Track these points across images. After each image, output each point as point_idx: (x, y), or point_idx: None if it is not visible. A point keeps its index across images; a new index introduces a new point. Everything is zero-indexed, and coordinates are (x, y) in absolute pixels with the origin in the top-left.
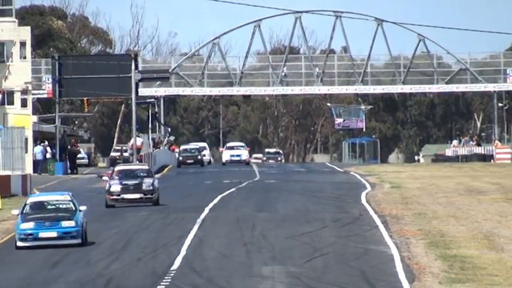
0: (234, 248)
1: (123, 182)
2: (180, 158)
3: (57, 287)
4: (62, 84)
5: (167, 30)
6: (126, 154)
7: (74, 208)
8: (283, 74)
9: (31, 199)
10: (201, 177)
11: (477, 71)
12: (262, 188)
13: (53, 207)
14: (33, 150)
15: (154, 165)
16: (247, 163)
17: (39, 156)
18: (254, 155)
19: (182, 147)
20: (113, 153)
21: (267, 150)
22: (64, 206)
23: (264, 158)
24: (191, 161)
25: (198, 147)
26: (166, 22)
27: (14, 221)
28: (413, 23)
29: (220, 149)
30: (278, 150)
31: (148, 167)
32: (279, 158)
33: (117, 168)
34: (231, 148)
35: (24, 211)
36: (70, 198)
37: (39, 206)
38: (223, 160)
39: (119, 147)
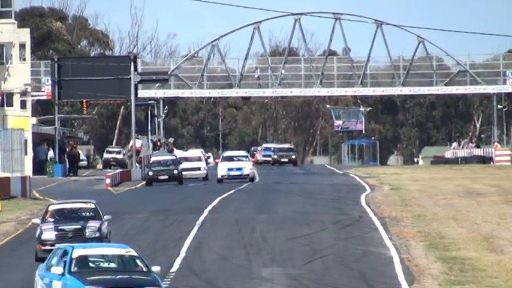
0: (233, 250)
1: (59, 227)
2: (150, 173)
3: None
4: (61, 86)
5: (166, 32)
6: (120, 156)
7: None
8: (282, 75)
9: (53, 207)
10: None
11: (476, 73)
12: (261, 189)
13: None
14: (38, 152)
15: None
16: (251, 179)
17: (43, 157)
18: (262, 154)
19: (153, 158)
20: (106, 155)
21: (273, 145)
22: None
23: (275, 156)
24: (164, 177)
25: (172, 158)
26: (165, 24)
27: (15, 223)
28: (413, 25)
29: (216, 159)
30: (291, 146)
31: (95, 205)
32: (293, 156)
33: (52, 207)
34: (229, 159)
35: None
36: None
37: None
38: (219, 175)
39: (112, 149)
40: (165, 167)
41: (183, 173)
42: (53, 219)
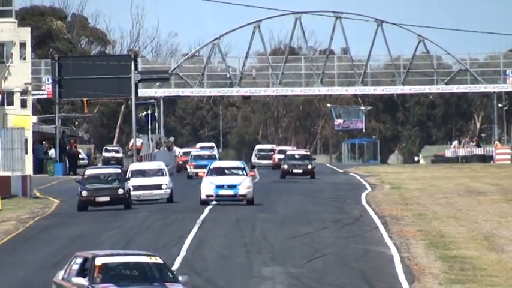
0: (234, 248)
1: None
2: (83, 193)
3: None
4: (62, 84)
5: (167, 30)
6: (119, 155)
7: None
8: (252, 75)
9: (105, 260)
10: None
11: (477, 71)
12: (262, 188)
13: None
14: (36, 151)
15: None
16: (248, 201)
17: (41, 155)
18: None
19: (89, 171)
20: (105, 154)
21: (287, 150)
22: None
23: (285, 166)
24: (104, 199)
25: (116, 172)
26: (166, 23)
27: (15, 222)
28: (413, 24)
29: (200, 172)
30: (307, 152)
31: (162, 260)
32: (310, 166)
33: (104, 260)
34: (219, 172)
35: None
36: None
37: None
38: (203, 194)
39: (111, 148)
40: (105, 184)
41: (137, 193)
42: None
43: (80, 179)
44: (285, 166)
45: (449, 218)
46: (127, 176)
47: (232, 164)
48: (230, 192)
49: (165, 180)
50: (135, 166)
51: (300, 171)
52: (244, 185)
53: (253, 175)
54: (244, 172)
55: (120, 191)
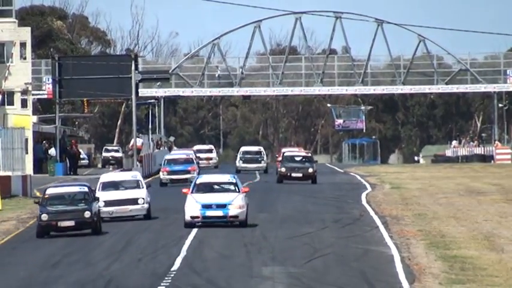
0: (234, 248)
1: None
2: (43, 218)
3: (57, 287)
4: (62, 84)
5: (168, 30)
6: (119, 154)
7: None
8: (217, 75)
9: None
10: None
11: (477, 71)
12: (262, 188)
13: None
14: (36, 150)
15: (154, 166)
16: (241, 223)
17: (40, 155)
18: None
19: (50, 190)
20: (104, 154)
21: (287, 152)
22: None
23: (283, 169)
24: (68, 223)
25: (83, 191)
26: (166, 22)
27: (16, 222)
28: (414, 24)
29: (184, 189)
30: (307, 154)
31: None
32: (311, 170)
33: None
34: (207, 188)
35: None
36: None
37: None
38: (187, 215)
39: (111, 148)
40: (69, 205)
41: (109, 209)
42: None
43: (40, 200)
44: (283, 169)
45: (450, 218)
46: (97, 188)
47: (222, 178)
48: (219, 212)
49: (141, 194)
50: (106, 177)
51: (300, 175)
52: (235, 204)
53: (247, 191)
54: (236, 188)
55: (87, 214)
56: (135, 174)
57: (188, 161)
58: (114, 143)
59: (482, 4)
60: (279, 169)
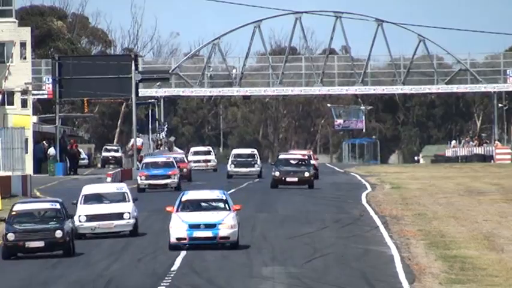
0: (234, 248)
1: None
2: (10, 237)
3: (57, 287)
4: (62, 84)
5: (168, 30)
6: (118, 154)
7: None
8: (209, 75)
9: None
10: None
11: (477, 71)
12: (262, 188)
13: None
14: (35, 150)
15: None
16: (232, 244)
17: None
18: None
19: (16, 206)
20: (104, 153)
21: (282, 155)
22: None
23: (276, 173)
24: (38, 244)
25: (54, 208)
26: (166, 22)
27: None
28: (414, 24)
29: (167, 207)
30: (304, 157)
31: None
32: (307, 173)
33: None
34: (194, 205)
35: None
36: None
37: None
38: (172, 237)
39: (110, 147)
40: (39, 223)
41: (91, 224)
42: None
43: (6, 217)
44: (277, 173)
45: (450, 218)
46: (78, 201)
47: (210, 195)
48: (208, 233)
49: (127, 208)
50: (89, 189)
51: (295, 179)
52: (226, 223)
53: (239, 209)
54: (226, 206)
55: (59, 234)
56: (121, 186)
57: (168, 165)
58: (114, 143)
59: (482, 4)
60: (272, 173)
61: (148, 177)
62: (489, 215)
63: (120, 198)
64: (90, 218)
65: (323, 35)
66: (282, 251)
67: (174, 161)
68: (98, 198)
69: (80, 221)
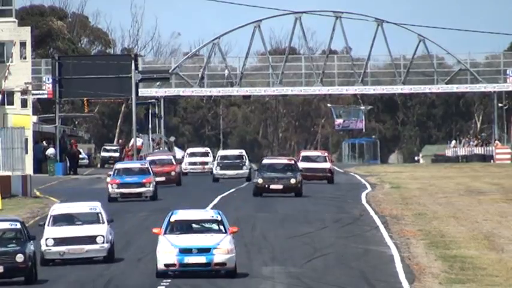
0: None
1: None
2: None
3: (57, 287)
4: (62, 84)
5: (168, 30)
6: (118, 154)
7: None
8: (200, 75)
9: None
10: None
11: (477, 71)
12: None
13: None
14: (35, 150)
15: None
16: (229, 272)
17: (39, 155)
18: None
19: None
20: (103, 153)
21: (265, 160)
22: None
23: (259, 181)
24: None
25: (15, 228)
26: (166, 22)
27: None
28: (414, 24)
29: (154, 229)
30: (290, 162)
31: None
32: (293, 180)
33: None
34: (185, 227)
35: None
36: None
37: None
38: (160, 264)
39: (109, 147)
40: None
41: (60, 249)
42: None
43: None
44: (260, 180)
45: (450, 218)
46: (46, 222)
47: (203, 215)
48: (202, 259)
49: (101, 230)
50: (58, 209)
51: (280, 186)
52: (222, 247)
53: (236, 231)
54: (221, 227)
55: (20, 258)
56: (95, 206)
57: (143, 171)
58: (114, 143)
59: (482, 4)
60: (255, 180)
61: (120, 186)
62: (489, 214)
63: (94, 219)
64: (59, 241)
65: (323, 35)
66: (282, 250)
67: (149, 168)
68: (68, 219)
69: (47, 245)
